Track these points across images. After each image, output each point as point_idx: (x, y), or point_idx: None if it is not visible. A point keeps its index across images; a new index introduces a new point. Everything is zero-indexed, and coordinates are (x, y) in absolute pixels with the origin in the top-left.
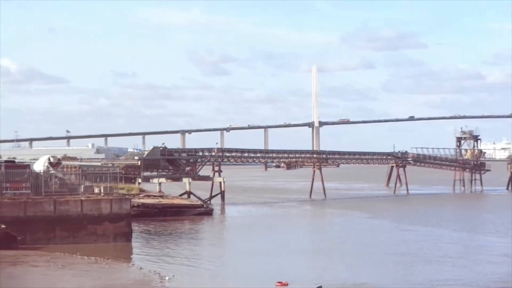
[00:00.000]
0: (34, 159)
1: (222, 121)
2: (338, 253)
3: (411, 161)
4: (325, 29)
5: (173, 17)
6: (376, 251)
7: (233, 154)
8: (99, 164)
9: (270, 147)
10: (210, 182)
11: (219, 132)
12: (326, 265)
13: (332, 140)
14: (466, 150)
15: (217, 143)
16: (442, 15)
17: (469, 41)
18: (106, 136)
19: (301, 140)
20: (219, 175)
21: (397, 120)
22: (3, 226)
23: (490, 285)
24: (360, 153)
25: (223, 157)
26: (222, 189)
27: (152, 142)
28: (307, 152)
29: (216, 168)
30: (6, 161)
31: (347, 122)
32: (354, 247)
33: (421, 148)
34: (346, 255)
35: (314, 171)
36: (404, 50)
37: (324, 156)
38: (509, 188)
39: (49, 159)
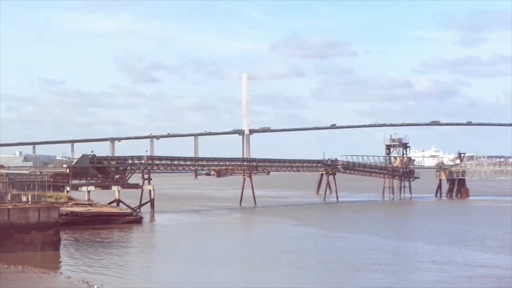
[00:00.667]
0: None
1: (152, 128)
2: (269, 261)
3: (341, 169)
4: (255, 37)
5: (103, 24)
6: (307, 259)
7: (163, 162)
8: (27, 172)
9: (201, 155)
10: (139, 190)
11: (149, 140)
12: (257, 274)
13: (263, 147)
14: (395, 157)
15: (146, 151)
16: (371, 24)
17: (398, 49)
18: (34, 144)
19: (231, 148)
20: (149, 183)
21: (316, 128)
22: None
23: None
24: (290, 161)
25: (153, 165)
26: (152, 197)
27: (81, 150)
28: (237, 160)
29: (146, 176)
30: None
31: (268, 130)
32: (285, 255)
33: (351, 155)
34: (277, 263)
35: (244, 178)
36: (334, 58)
37: (254, 164)
38: (438, 195)
39: None
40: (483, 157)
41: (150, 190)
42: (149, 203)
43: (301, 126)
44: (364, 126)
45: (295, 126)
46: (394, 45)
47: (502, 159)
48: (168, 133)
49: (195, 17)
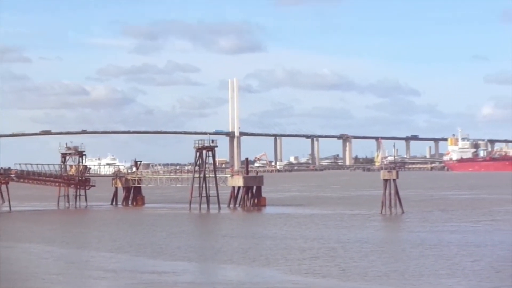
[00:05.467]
0: None
1: None
2: None
3: (14, 178)
4: None
5: None
6: None
7: None
8: None
9: None
10: None
11: None
12: None
13: None
14: (71, 166)
15: None
16: (46, 29)
17: (74, 56)
18: None
19: None
20: None
21: None
22: None
23: None
24: None
25: None
26: None
27: None
28: None
29: None
30: None
31: None
32: None
33: (25, 164)
34: None
35: None
36: (6, 64)
37: None
38: (114, 203)
39: None
40: (159, 165)
41: None
42: None
43: None
44: (35, 134)
45: None
46: (70, 52)
47: (178, 167)
48: None
49: None
